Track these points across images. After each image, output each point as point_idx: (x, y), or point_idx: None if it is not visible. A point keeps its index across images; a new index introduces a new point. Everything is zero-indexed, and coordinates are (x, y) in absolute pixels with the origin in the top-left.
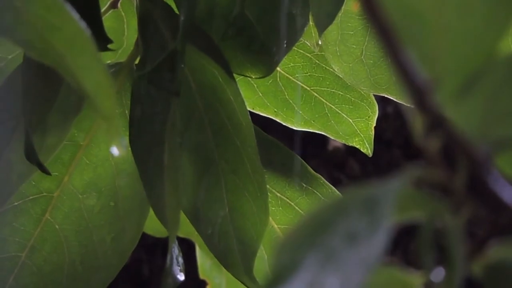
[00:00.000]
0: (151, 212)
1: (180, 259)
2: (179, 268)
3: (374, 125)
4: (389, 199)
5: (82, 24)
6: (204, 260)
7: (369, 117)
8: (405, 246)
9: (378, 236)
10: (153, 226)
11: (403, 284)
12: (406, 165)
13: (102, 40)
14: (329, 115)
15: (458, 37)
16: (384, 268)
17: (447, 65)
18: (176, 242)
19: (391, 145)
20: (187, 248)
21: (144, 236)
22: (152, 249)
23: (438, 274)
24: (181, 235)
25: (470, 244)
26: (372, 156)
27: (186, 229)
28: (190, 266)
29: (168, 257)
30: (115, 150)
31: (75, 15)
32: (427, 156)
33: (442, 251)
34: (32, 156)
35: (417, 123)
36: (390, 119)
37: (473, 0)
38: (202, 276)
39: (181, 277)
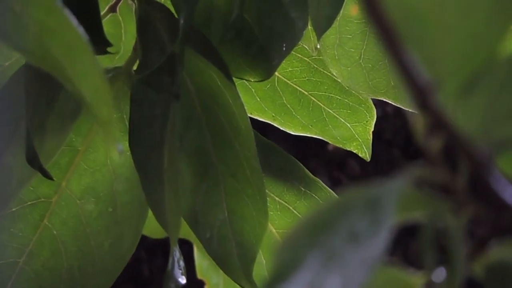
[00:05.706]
0: (149, 213)
1: (182, 262)
2: (181, 271)
3: (372, 129)
4: (391, 199)
5: (80, 29)
6: (201, 260)
7: (367, 121)
8: (406, 247)
9: (380, 236)
10: (150, 227)
11: (404, 284)
12: (406, 165)
13: (101, 43)
14: (327, 119)
15: (459, 37)
16: (385, 268)
17: (448, 65)
18: (177, 245)
19: (391, 145)
20: (186, 248)
21: (144, 236)
22: (152, 249)
23: (439, 274)
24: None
25: (471, 244)
26: (372, 156)
27: (184, 229)
28: (188, 265)
29: (170, 260)
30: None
31: (74, 20)
32: (429, 156)
33: (443, 251)
34: (34, 161)
35: (418, 123)
36: (390, 119)
37: (475, 0)
38: (199, 276)
39: (183, 280)
